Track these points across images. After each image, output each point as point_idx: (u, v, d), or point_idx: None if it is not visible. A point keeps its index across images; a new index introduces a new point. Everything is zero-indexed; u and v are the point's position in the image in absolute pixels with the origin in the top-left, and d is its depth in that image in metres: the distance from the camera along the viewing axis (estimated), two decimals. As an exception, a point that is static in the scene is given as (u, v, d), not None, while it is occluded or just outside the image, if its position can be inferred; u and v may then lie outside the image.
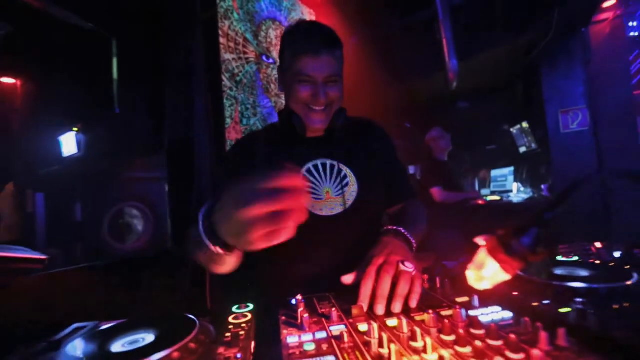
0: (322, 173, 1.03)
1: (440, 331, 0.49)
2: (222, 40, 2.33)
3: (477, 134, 5.61)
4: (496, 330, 0.45)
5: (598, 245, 0.68)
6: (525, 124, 4.45)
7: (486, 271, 0.45)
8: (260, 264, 0.96)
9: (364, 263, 0.75)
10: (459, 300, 0.58)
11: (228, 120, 2.29)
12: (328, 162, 1.05)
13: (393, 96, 4.46)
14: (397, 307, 0.63)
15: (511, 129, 4.89)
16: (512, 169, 5.00)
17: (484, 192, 5.65)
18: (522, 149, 4.77)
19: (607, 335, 0.38)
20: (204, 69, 2.04)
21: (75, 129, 2.63)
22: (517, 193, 4.77)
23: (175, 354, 0.42)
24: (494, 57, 4.03)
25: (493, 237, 0.45)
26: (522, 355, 0.40)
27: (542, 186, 4.03)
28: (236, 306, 0.63)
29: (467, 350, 0.44)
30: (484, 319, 0.51)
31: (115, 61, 2.56)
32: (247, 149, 1.07)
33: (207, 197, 1.97)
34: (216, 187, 1.07)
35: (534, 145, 4.38)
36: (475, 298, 0.54)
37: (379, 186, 1.08)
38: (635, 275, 0.50)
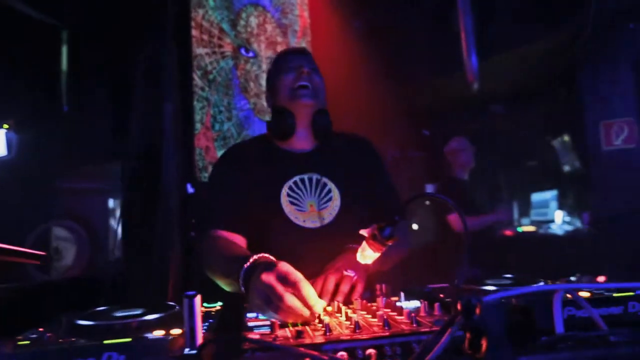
0: (307, 186, 1.40)
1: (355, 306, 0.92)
2: (194, 32, 2.71)
3: (513, 146, 5.92)
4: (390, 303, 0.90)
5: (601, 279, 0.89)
6: (566, 137, 4.83)
7: (366, 252, 0.86)
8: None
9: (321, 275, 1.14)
10: (393, 298, 0.94)
11: (198, 125, 2.64)
12: (314, 177, 1.42)
13: (406, 97, 4.82)
14: (339, 298, 1.04)
15: (554, 142, 5.26)
16: (555, 192, 5.33)
17: (524, 222, 5.97)
18: (566, 168, 5.13)
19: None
20: (173, 66, 2.40)
21: (5, 125, 2.94)
22: (562, 224, 5.08)
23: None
24: (527, 55, 4.44)
25: (369, 231, 0.85)
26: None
27: (583, 215, 4.36)
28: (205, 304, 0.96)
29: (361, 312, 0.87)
30: (398, 304, 0.88)
31: (64, 51, 2.93)
32: (235, 164, 1.43)
33: (175, 215, 2.28)
34: (206, 204, 1.42)
35: (577, 164, 4.75)
36: (402, 294, 0.92)
37: (361, 202, 1.44)
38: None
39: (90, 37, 2.82)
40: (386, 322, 0.74)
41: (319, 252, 1.23)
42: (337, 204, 1.38)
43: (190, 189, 2.51)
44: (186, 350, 0.66)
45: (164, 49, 2.37)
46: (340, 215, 1.37)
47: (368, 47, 4.27)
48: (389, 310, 0.87)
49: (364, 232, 0.95)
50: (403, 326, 0.73)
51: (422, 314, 0.83)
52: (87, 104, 2.77)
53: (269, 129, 1.45)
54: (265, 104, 3.25)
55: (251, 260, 0.99)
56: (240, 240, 1.33)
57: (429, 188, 5.39)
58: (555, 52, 4.33)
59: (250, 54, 3.10)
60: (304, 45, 3.76)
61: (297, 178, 1.40)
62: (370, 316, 0.84)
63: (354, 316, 0.81)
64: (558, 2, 3.87)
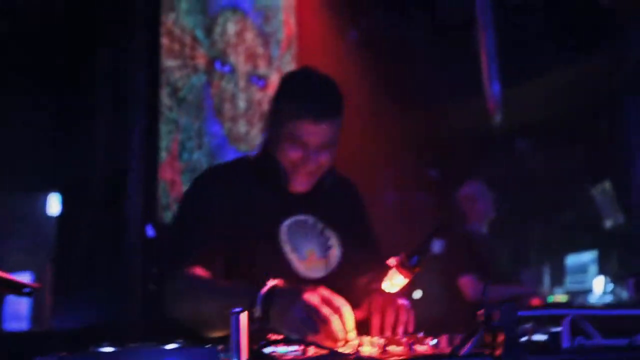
0: (306, 230, 1.67)
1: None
2: (164, 40, 3.08)
3: (543, 194, 6.29)
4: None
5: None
6: (608, 184, 5.31)
7: (394, 280, 1.24)
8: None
9: (362, 309, 1.46)
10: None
11: (163, 154, 2.96)
12: (310, 220, 1.69)
13: (410, 127, 5.18)
14: (400, 329, 1.38)
15: (592, 190, 5.72)
16: (594, 253, 5.72)
17: (558, 292, 6.28)
18: (608, 223, 5.57)
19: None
20: (141, 79, 2.75)
21: None
22: (602, 294, 5.44)
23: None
24: (559, 82, 4.94)
25: (397, 259, 1.24)
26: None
27: (629, 281, 4.77)
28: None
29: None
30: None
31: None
32: (217, 188, 1.67)
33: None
34: (177, 236, 1.69)
35: (620, 218, 5.21)
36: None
37: (360, 252, 1.74)
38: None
39: (41, 35, 3.09)
40: (411, 347, 1.10)
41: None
42: (338, 253, 1.69)
43: (150, 232, 2.80)
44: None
45: (131, 56, 2.71)
46: (342, 265, 1.67)
47: (365, 63, 4.59)
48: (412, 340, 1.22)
49: (392, 260, 1.31)
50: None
51: (443, 344, 1.18)
52: (21, 119, 3.04)
53: (256, 166, 1.72)
54: (240, 128, 3.62)
55: (269, 284, 1.29)
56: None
57: (436, 246, 5.58)
58: (594, 80, 4.77)
59: (226, 69, 3.49)
60: (288, 58, 4.18)
61: (294, 219, 1.68)
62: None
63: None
64: (595, 23, 4.38)
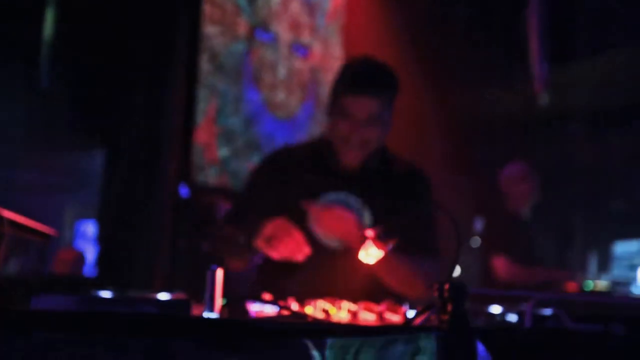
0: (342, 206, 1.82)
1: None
2: (205, 6, 3.15)
3: (592, 180, 6.14)
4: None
5: None
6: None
7: (370, 250, 1.32)
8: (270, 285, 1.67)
9: None
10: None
11: (200, 118, 3.07)
12: (350, 198, 1.83)
13: (453, 106, 5.13)
14: None
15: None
16: None
17: (604, 279, 6.16)
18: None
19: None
20: (182, 44, 2.84)
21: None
22: None
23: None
24: (614, 63, 4.77)
25: (373, 230, 1.29)
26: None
27: None
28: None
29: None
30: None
31: (49, 17, 3.39)
32: (281, 170, 1.93)
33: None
34: (248, 199, 2.02)
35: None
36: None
37: (392, 233, 1.90)
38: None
39: (82, 2, 3.25)
40: (380, 315, 1.15)
41: (340, 275, 1.66)
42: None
43: (183, 192, 2.93)
44: (204, 314, 1.07)
45: (173, 23, 2.81)
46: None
47: (412, 38, 4.59)
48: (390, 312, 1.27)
49: (369, 232, 1.36)
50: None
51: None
52: (71, 81, 3.22)
53: (312, 149, 1.98)
54: (278, 96, 3.67)
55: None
56: None
57: (477, 224, 5.55)
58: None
59: (268, 37, 3.54)
60: (334, 29, 4.18)
61: (333, 196, 1.83)
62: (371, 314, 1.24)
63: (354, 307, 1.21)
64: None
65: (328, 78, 4.09)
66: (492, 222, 4.24)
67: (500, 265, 3.84)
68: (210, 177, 3.10)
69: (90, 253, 5.59)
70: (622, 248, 5.99)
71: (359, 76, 1.87)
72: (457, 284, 0.93)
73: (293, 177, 1.88)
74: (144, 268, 2.67)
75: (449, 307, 0.92)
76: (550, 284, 4.06)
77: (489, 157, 5.61)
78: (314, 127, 3.83)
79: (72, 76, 3.20)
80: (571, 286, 4.82)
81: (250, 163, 3.34)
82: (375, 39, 4.44)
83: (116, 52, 2.97)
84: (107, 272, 2.95)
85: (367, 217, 1.84)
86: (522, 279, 3.78)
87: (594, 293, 4.05)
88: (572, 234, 6.46)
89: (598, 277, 6.24)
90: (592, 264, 6.59)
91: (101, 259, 3.15)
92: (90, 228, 5.89)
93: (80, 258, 3.61)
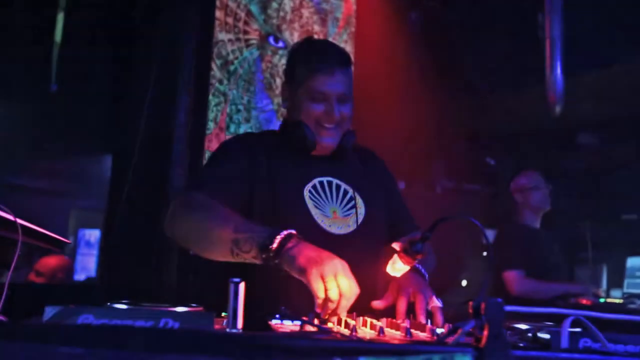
0: (327, 191, 1.80)
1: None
2: (218, 13, 3.15)
3: (606, 191, 6.12)
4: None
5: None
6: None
7: (396, 265, 1.26)
8: (265, 274, 1.56)
9: (389, 293, 1.54)
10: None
11: (211, 125, 3.06)
12: (334, 181, 1.82)
13: (468, 114, 5.14)
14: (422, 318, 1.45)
15: (659, 191, 5.50)
16: None
17: (615, 294, 6.12)
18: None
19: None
20: (193, 50, 2.83)
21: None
22: None
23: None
24: (631, 73, 4.76)
25: (401, 245, 1.25)
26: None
27: None
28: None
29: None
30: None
31: (60, 18, 3.40)
32: (248, 150, 1.78)
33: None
34: (206, 170, 1.87)
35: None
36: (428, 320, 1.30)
37: (384, 212, 1.87)
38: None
39: (94, 4, 3.26)
40: (408, 331, 1.11)
41: (346, 260, 1.56)
42: (362, 211, 1.81)
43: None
44: (228, 330, 1.04)
45: (185, 29, 2.80)
46: (365, 224, 1.79)
47: (424, 46, 4.62)
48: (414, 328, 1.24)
49: (396, 245, 1.34)
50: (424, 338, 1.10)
51: (445, 332, 1.19)
52: (81, 85, 3.22)
53: (284, 134, 1.86)
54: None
55: (288, 230, 1.41)
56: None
57: (490, 234, 5.54)
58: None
59: (280, 44, 3.53)
60: (345, 37, 4.18)
61: (316, 181, 1.81)
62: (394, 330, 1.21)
63: (379, 324, 1.19)
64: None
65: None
66: (502, 234, 4.19)
67: (512, 278, 3.79)
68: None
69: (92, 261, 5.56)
70: (634, 262, 5.97)
71: (327, 53, 1.80)
72: (494, 301, 0.90)
73: (264, 160, 1.77)
74: (150, 277, 2.63)
75: (486, 326, 0.89)
76: (566, 298, 4.02)
77: (501, 167, 5.63)
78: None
79: (81, 79, 3.20)
80: (585, 301, 4.78)
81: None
82: (387, 47, 4.46)
83: (127, 58, 2.97)
84: (112, 281, 2.93)
85: (357, 199, 1.82)
86: (538, 294, 3.74)
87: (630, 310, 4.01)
88: (585, 246, 6.43)
89: (608, 292, 6.24)
90: (604, 277, 6.57)
91: (106, 268, 3.14)
92: (93, 235, 5.89)
93: (64, 265, 3.52)
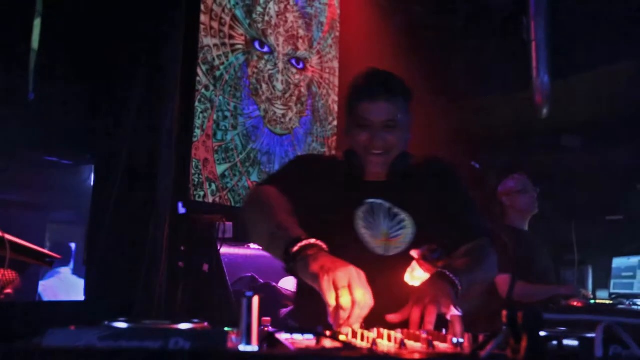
0: (378, 214, 1.86)
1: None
2: (203, 18, 3.08)
3: (591, 193, 6.16)
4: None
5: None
6: (659, 186, 5.14)
7: (415, 272, 1.20)
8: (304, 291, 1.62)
9: (407, 305, 1.48)
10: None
11: (197, 132, 2.98)
12: (385, 204, 1.88)
13: (453, 117, 5.15)
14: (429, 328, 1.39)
15: (644, 192, 5.55)
16: None
17: (601, 294, 6.16)
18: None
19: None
20: (179, 56, 2.77)
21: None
22: None
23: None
24: (615, 76, 4.80)
25: (419, 252, 1.20)
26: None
27: None
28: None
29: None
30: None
31: (37, 25, 3.31)
32: (308, 170, 1.93)
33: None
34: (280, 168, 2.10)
35: (672, 222, 5.03)
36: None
37: (437, 232, 1.84)
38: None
39: (74, 9, 3.17)
40: (430, 343, 1.05)
41: (385, 280, 1.61)
42: (410, 232, 1.84)
43: (181, 209, 2.84)
44: (241, 347, 0.97)
45: (170, 34, 2.73)
46: (412, 245, 1.79)
47: (409, 50, 4.61)
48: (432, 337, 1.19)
49: (414, 253, 1.29)
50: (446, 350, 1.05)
51: (466, 344, 1.14)
52: (59, 93, 3.12)
53: (341, 161, 1.97)
54: (276, 111, 3.61)
55: (315, 240, 1.45)
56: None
57: None
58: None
59: (265, 49, 3.49)
60: (330, 42, 4.15)
61: (369, 203, 1.87)
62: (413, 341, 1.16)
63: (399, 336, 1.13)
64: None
65: (325, 92, 4.06)
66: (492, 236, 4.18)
67: (504, 282, 3.78)
68: (209, 194, 3.01)
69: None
70: (619, 263, 6.02)
71: (372, 83, 1.91)
72: (532, 311, 0.85)
73: (325, 181, 1.89)
74: (139, 292, 2.55)
75: (524, 337, 0.84)
76: (554, 300, 4.04)
77: (488, 169, 5.63)
78: (313, 144, 3.76)
79: (60, 88, 3.10)
80: (575, 303, 4.79)
81: (249, 179, 3.27)
82: (371, 50, 4.44)
83: (110, 65, 2.89)
84: (99, 297, 2.84)
85: (407, 220, 1.85)
86: (528, 297, 3.75)
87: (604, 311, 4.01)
88: (570, 248, 6.48)
89: (594, 293, 6.27)
90: (590, 278, 6.61)
91: (92, 283, 3.04)
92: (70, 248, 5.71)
93: (12, 281, 3.37)
